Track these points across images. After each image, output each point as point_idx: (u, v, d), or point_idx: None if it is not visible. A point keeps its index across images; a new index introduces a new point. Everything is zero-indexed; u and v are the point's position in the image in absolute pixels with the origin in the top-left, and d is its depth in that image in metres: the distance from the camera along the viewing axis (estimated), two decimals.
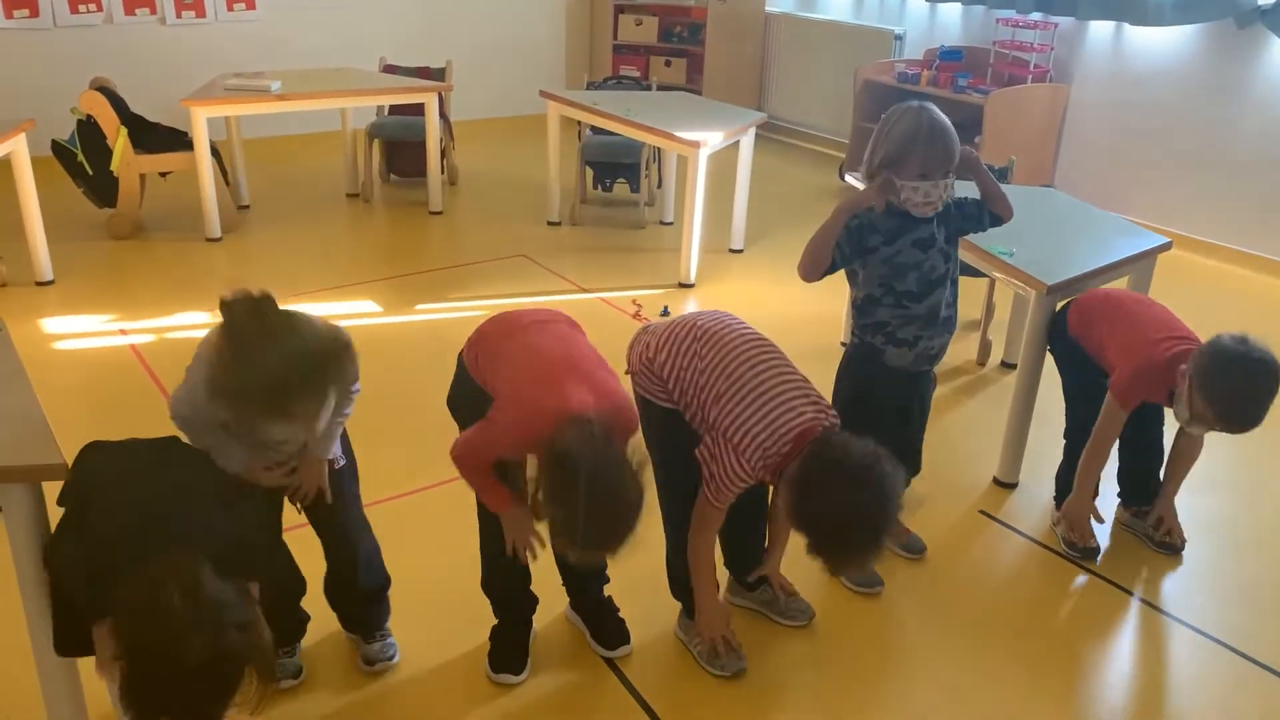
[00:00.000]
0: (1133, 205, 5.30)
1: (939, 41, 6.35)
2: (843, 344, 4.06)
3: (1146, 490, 2.89)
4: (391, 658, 2.33)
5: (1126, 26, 5.45)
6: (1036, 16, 5.73)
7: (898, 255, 2.48)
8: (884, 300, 2.53)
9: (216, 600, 1.52)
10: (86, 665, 1.94)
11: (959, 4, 6.24)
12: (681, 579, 2.39)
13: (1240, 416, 2.40)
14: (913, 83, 6.09)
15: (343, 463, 2.14)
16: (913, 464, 2.76)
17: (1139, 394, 2.60)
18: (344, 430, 2.14)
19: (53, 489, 1.78)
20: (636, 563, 2.45)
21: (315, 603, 2.31)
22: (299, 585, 2.26)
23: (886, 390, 2.60)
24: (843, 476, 1.99)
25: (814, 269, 2.50)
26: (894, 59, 6.44)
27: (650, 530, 2.45)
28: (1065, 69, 5.79)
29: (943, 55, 6.15)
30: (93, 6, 6.02)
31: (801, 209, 5.95)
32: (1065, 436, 2.90)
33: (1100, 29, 5.61)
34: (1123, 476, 2.92)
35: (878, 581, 2.66)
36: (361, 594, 2.30)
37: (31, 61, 5.93)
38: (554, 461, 1.86)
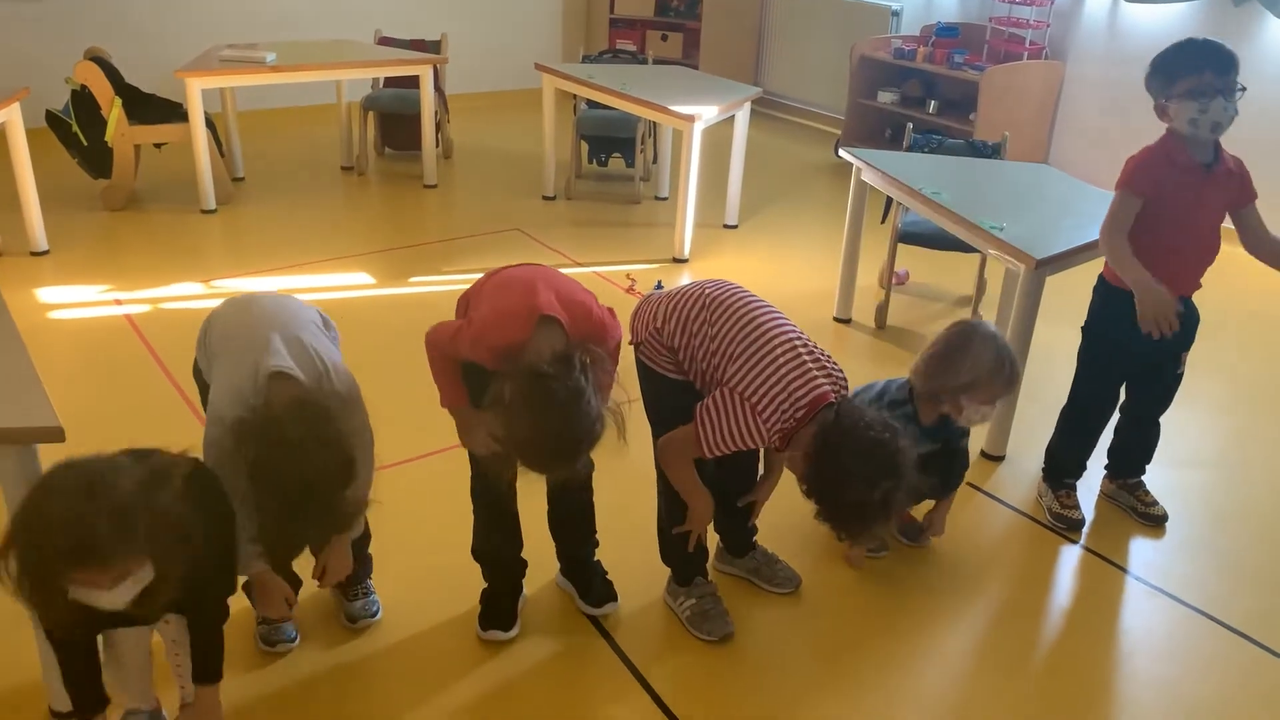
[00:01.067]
0: None
1: (936, 18, 6.33)
2: (835, 319, 4.09)
3: (1137, 467, 2.93)
4: (374, 614, 2.37)
5: (1122, 3, 5.45)
6: None
7: None
8: None
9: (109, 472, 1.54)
10: None
11: None
12: (673, 544, 2.42)
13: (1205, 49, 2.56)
14: (909, 59, 6.08)
15: None
16: None
17: (1139, 170, 2.58)
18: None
19: (48, 451, 1.79)
20: (626, 534, 2.51)
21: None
22: None
23: None
24: (858, 447, 2.01)
25: None
26: (891, 35, 6.42)
27: (639, 502, 2.49)
28: (1061, 46, 5.78)
29: (939, 31, 6.13)
30: None
31: (797, 185, 5.96)
32: (1062, 415, 2.91)
33: (1096, 6, 5.61)
34: (1115, 451, 2.95)
35: (885, 546, 2.71)
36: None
37: (26, 31, 5.89)
38: (519, 373, 1.87)
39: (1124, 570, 2.71)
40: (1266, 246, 2.64)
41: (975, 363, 2.41)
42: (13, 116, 4.15)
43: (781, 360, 2.10)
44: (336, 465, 1.76)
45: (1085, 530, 2.85)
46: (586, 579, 2.47)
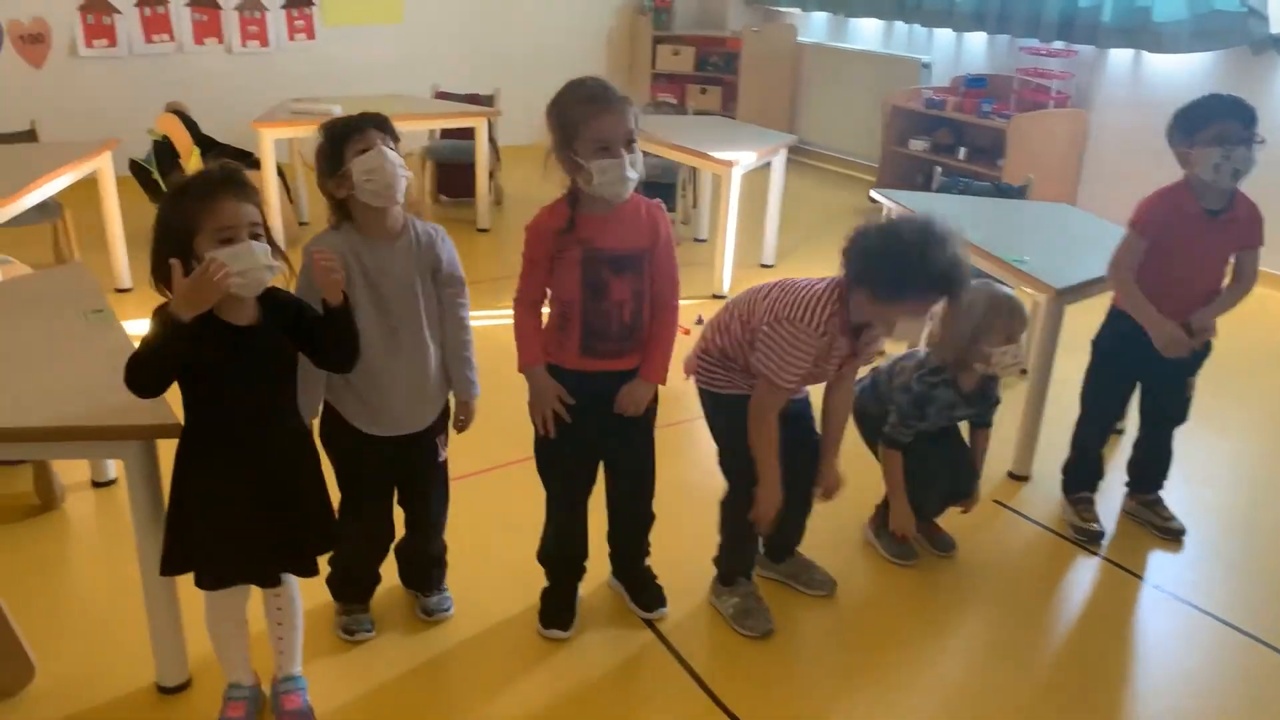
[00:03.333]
0: None
1: (965, 69, 6.59)
2: None
3: (1154, 482, 3.10)
4: (448, 610, 2.58)
5: (1144, 54, 5.67)
6: (1058, 45, 5.97)
7: (934, 421, 2.73)
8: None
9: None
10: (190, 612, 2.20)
11: (984, 33, 6.48)
12: (730, 542, 2.61)
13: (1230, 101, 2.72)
14: (939, 108, 6.33)
15: (444, 458, 2.45)
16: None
17: (1147, 215, 2.78)
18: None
19: (165, 447, 2.05)
20: (673, 542, 2.71)
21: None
22: (389, 536, 2.50)
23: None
24: (905, 225, 2.27)
25: None
26: (921, 86, 6.69)
27: (687, 510, 2.70)
28: (1086, 95, 6.01)
29: (968, 83, 6.39)
30: (165, 36, 6.42)
31: (831, 227, 6.18)
32: (1074, 432, 3.11)
33: (1119, 57, 5.84)
34: (1133, 467, 3.13)
35: (912, 554, 2.88)
36: (430, 557, 2.57)
37: (111, 86, 6.33)
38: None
39: (1141, 578, 2.87)
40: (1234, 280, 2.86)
41: (970, 310, 2.57)
42: (104, 165, 4.51)
43: (792, 282, 2.40)
44: None
45: (1105, 542, 3.01)
46: (638, 584, 2.66)
